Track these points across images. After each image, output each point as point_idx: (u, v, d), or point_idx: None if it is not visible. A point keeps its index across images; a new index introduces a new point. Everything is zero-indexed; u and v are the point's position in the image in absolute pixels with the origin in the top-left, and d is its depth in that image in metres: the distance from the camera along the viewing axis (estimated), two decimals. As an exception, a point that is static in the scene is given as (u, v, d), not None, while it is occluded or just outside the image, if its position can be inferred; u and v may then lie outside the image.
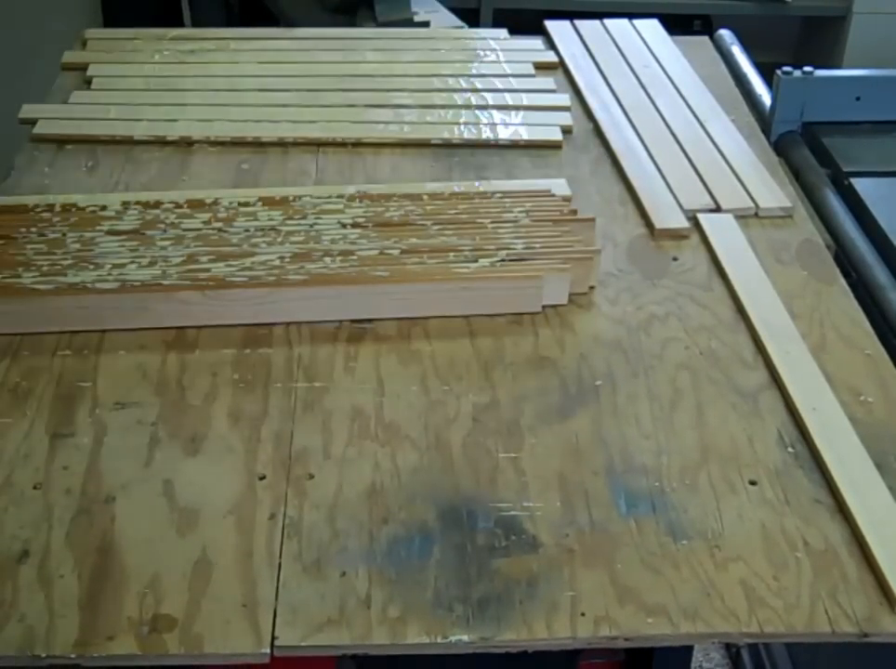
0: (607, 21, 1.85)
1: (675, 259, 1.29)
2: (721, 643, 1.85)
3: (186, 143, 1.47)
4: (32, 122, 1.50)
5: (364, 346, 1.14)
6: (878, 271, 1.34)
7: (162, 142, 1.47)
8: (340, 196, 1.30)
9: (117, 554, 0.91)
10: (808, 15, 3.39)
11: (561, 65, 1.73)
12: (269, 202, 1.28)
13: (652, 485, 0.98)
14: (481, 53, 1.74)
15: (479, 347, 1.14)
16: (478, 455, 1.01)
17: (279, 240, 1.22)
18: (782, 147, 1.60)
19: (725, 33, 1.90)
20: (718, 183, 1.41)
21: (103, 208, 1.26)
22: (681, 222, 1.34)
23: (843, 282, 1.26)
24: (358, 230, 1.24)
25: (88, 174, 1.40)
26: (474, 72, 1.67)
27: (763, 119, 1.64)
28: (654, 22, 1.86)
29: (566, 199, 1.32)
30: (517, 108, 1.57)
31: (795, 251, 1.30)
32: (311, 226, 1.24)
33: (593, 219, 1.28)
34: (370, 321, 1.17)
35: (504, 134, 1.49)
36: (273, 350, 1.13)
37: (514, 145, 1.48)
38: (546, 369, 1.11)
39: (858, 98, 1.62)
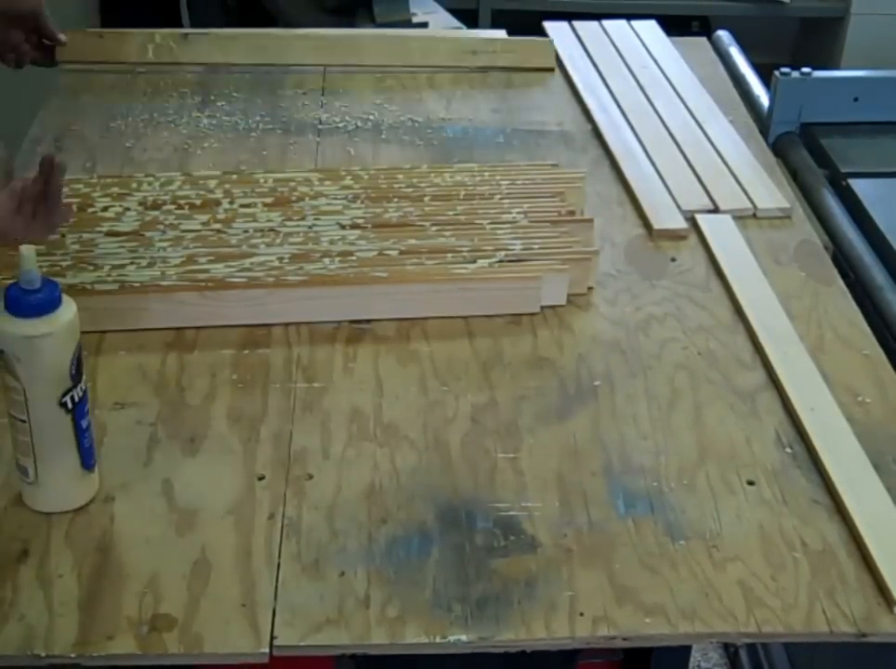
0: (605, 23, 1.86)
1: (673, 260, 1.29)
2: (719, 643, 1.85)
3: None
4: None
5: (363, 346, 1.14)
6: (876, 272, 1.34)
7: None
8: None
9: (116, 554, 0.91)
10: (806, 16, 3.39)
11: (560, 66, 1.73)
12: (269, 203, 1.28)
13: (651, 485, 0.98)
14: (480, 54, 1.74)
15: (477, 347, 1.14)
16: (476, 456, 1.01)
17: (278, 241, 1.22)
18: (780, 148, 1.60)
19: (723, 34, 1.90)
20: (717, 184, 1.41)
21: (105, 209, 1.27)
22: (679, 223, 1.34)
23: (841, 282, 1.26)
24: (357, 231, 1.24)
25: (88, 174, 1.40)
26: (473, 72, 1.67)
27: (761, 120, 1.64)
28: (652, 23, 1.86)
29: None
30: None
31: (793, 252, 1.31)
32: (310, 227, 1.24)
33: (591, 220, 1.29)
34: (369, 321, 1.17)
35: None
36: (272, 351, 1.13)
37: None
38: (544, 369, 1.12)
39: (856, 99, 1.62)
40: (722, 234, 1.32)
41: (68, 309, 0.90)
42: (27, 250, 0.88)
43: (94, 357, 1.11)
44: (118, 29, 1.72)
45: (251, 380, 1.09)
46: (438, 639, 0.85)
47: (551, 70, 1.72)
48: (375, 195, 1.30)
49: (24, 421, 0.90)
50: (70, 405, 0.91)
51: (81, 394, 0.91)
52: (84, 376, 0.92)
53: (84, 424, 0.93)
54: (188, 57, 1.66)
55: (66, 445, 0.92)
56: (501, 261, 1.20)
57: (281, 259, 1.19)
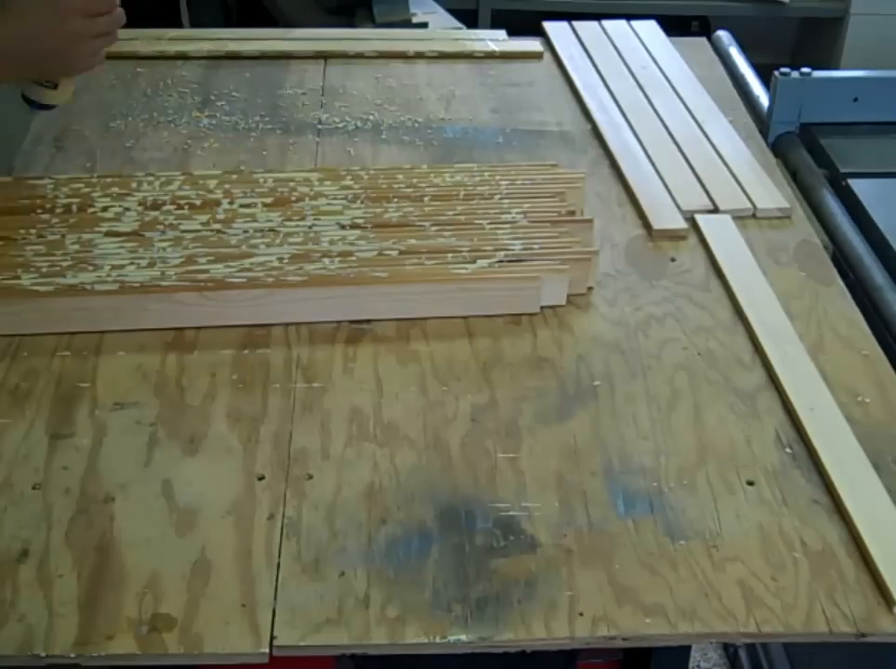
0: (605, 23, 1.86)
1: (673, 260, 1.29)
2: (719, 643, 1.86)
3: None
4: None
5: (363, 346, 1.14)
6: (876, 272, 1.34)
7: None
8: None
9: (116, 554, 0.91)
10: (805, 16, 3.39)
11: (560, 66, 1.73)
12: (268, 204, 1.28)
13: (650, 485, 0.98)
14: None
15: (477, 347, 1.14)
16: (476, 456, 1.01)
17: (277, 241, 1.22)
18: (779, 148, 1.60)
19: (723, 35, 1.90)
20: (716, 184, 1.41)
21: (105, 209, 1.27)
22: (679, 223, 1.34)
23: (841, 282, 1.26)
24: (357, 232, 1.24)
25: (88, 175, 1.40)
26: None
27: (761, 120, 1.64)
28: (652, 23, 1.86)
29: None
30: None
31: (792, 252, 1.31)
32: (310, 227, 1.25)
33: (591, 220, 1.29)
34: (368, 321, 1.17)
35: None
36: (272, 351, 1.13)
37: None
38: (544, 369, 1.12)
39: (855, 99, 1.62)
40: (722, 234, 1.32)
41: None
42: None
43: (94, 357, 1.11)
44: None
45: (251, 380, 1.09)
46: (438, 639, 0.85)
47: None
48: (374, 195, 1.30)
49: None
50: None
51: None
52: None
53: None
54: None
55: None
56: (501, 261, 1.20)
57: (280, 259, 1.19)
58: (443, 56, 1.75)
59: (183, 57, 1.72)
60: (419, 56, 1.75)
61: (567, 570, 0.90)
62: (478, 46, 1.77)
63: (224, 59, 1.72)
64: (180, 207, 1.27)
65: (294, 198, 1.29)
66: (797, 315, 1.20)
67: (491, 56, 1.75)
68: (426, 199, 1.30)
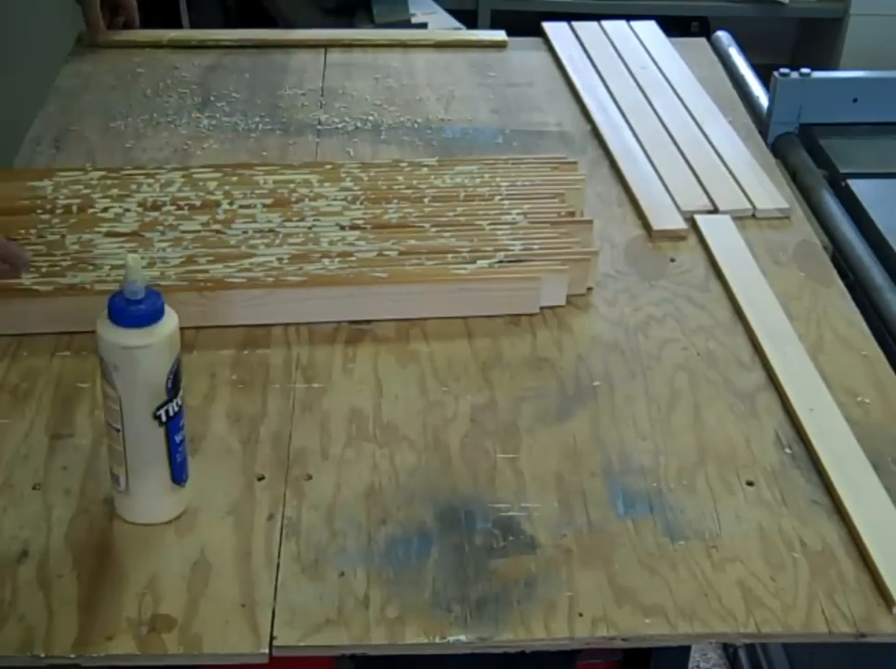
0: (605, 23, 1.86)
1: (672, 260, 1.29)
2: (719, 643, 1.86)
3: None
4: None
5: (363, 347, 1.14)
6: (875, 272, 1.34)
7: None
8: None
9: (116, 554, 0.91)
10: (805, 17, 3.39)
11: (559, 66, 1.73)
12: (268, 204, 1.28)
13: (650, 486, 0.99)
14: (479, 54, 1.75)
15: (477, 348, 1.14)
16: (476, 456, 1.01)
17: (277, 241, 1.22)
18: (779, 148, 1.60)
19: (722, 35, 1.90)
20: (716, 184, 1.41)
21: (105, 210, 1.27)
22: (679, 223, 1.34)
23: (840, 283, 1.26)
24: (356, 232, 1.24)
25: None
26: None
27: (760, 120, 1.64)
28: (652, 24, 1.86)
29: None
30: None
31: (792, 252, 1.31)
32: (310, 227, 1.25)
33: (591, 221, 1.29)
34: (368, 322, 1.17)
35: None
36: (272, 351, 1.13)
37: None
38: (543, 370, 1.12)
39: (855, 100, 1.63)
40: (721, 235, 1.32)
41: (169, 322, 0.90)
42: (132, 260, 0.87)
43: (93, 357, 1.11)
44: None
45: (250, 380, 1.09)
46: (437, 639, 0.85)
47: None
48: (374, 196, 1.30)
49: (118, 430, 0.90)
50: (164, 418, 0.90)
51: (176, 409, 0.91)
52: (181, 392, 0.91)
53: (177, 438, 0.92)
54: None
55: (157, 458, 0.92)
56: (501, 262, 1.20)
57: (280, 260, 1.19)
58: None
59: (183, 56, 1.72)
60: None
61: (567, 571, 0.90)
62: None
63: (224, 60, 1.72)
64: (180, 208, 1.27)
65: (293, 199, 1.29)
66: (796, 315, 1.20)
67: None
68: (426, 200, 1.30)
